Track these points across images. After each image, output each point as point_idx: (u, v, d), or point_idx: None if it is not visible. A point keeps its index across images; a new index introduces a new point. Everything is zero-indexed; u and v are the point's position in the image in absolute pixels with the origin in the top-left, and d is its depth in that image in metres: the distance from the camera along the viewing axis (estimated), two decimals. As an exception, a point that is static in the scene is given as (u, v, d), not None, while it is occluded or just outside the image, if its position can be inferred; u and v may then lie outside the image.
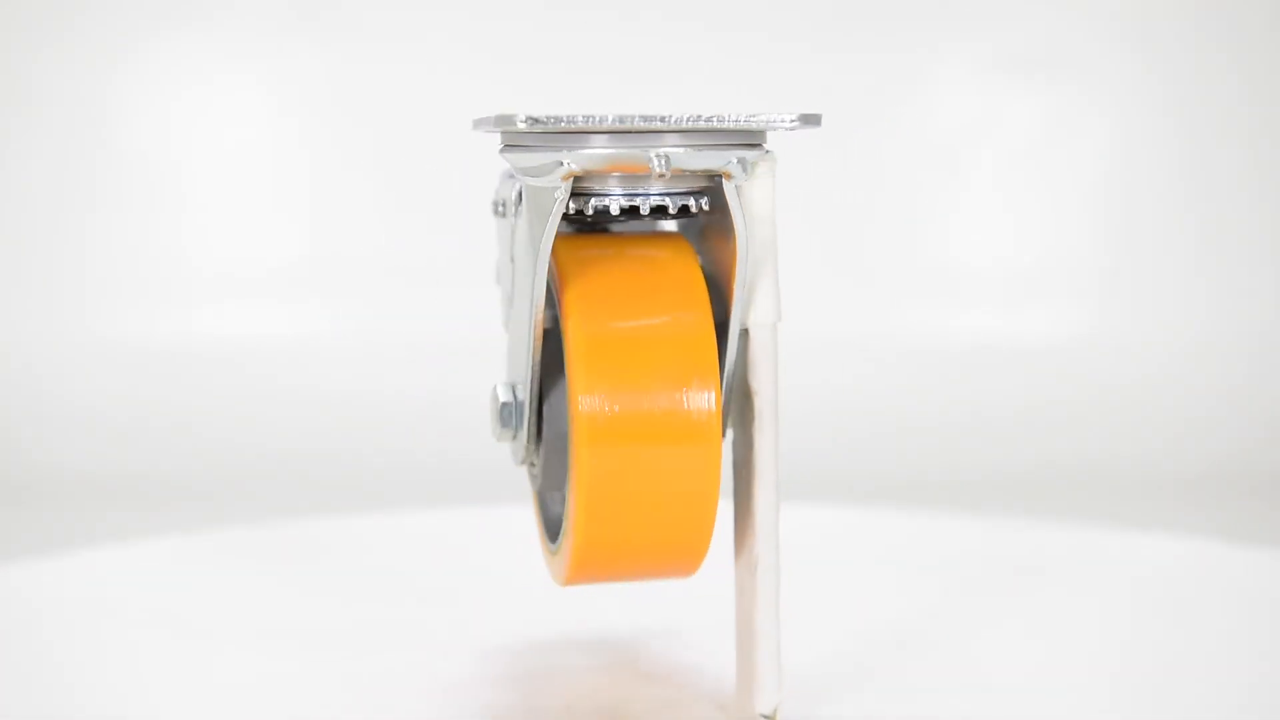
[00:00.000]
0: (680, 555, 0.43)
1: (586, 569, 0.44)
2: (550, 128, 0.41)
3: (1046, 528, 0.77)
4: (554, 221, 0.42)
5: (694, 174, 0.43)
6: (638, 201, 0.43)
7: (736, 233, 0.43)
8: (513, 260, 0.46)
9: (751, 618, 0.45)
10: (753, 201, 0.44)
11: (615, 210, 0.43)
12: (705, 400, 0.42)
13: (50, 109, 1.37)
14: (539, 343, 0.44)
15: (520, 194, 0.44)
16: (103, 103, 1.38)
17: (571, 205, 0.43)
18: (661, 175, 0.42)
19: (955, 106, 1.39)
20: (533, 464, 0.47)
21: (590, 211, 0.43)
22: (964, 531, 0.76)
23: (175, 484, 1.18)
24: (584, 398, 0.42)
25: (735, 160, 0.42)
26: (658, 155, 0.42)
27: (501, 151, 0.43)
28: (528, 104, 1.30)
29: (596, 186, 0.43)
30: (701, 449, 0.42)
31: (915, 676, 0.53)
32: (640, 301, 0.43)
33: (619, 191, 0.43)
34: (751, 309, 0.44)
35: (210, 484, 1.18)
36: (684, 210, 0.44)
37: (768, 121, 0.42)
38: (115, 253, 1.36)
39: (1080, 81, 1.38)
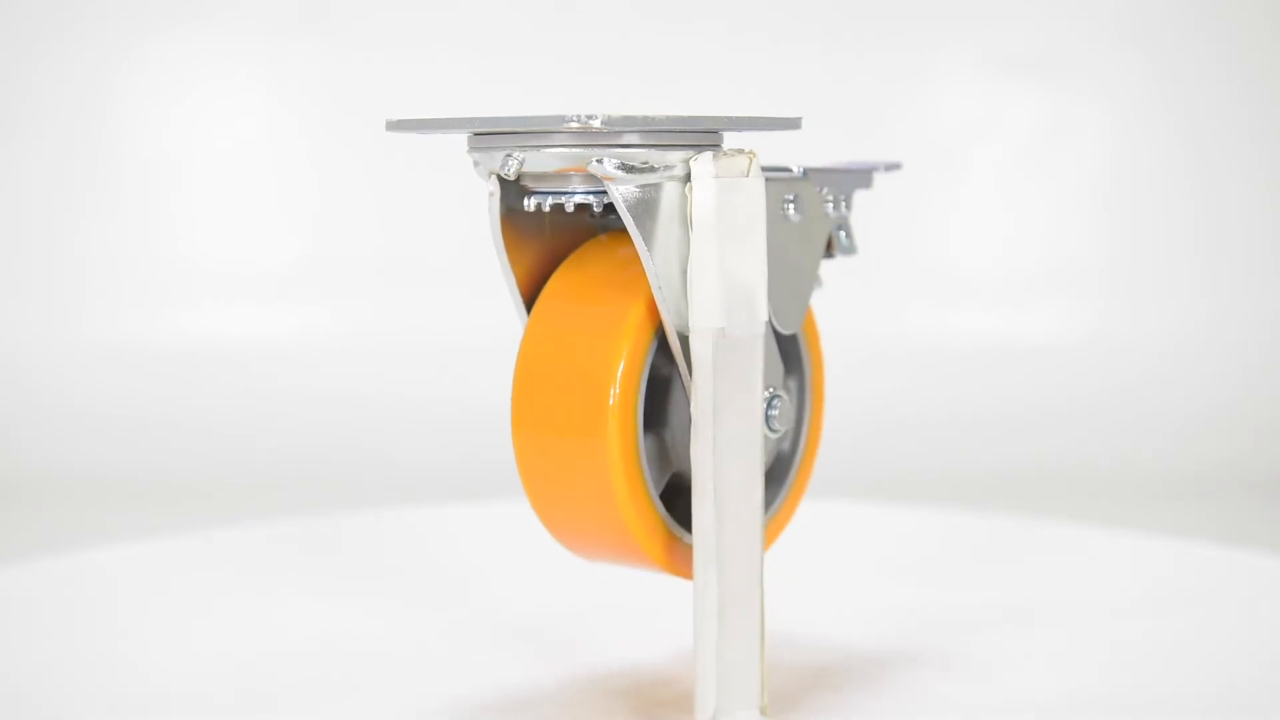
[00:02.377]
0: (623, 544, 0.45)
1: (561, 539, 0.46)
2: (408, 129, 0.44)
3: (1045, 527, 0.77)
4: (493, 215, 0.45)
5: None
6: (538, 200, 0.44)
7: (631, 236, 0.43)
8: None
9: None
10: (692, 205, 0.43)
11: (536, 208, 0.45)
12: (597, 394, 0.43)
13: (50, 109, 1.37)
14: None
15: None
16: (102, 103, 1.38)
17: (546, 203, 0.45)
18: (505, 178, 0.43)
19: (955, 106, 1.39)
20: None
21: (532, 209, 0.45)
22: (964, 530, 0.76)
23: (175, 484, 1.18)
24: (513, 385, 0.45)
25: (604, 161, 0.42)
26: (508, 157, 0.43)
27: (468, 151, 0.45)
28: (527, 105, 1.30)
29: (557, 186, 0.45)
30: (592, 441, 0.43)
31: (912, 674, 0.53)
32: (589, 299, 0.45)
33: (543, 189, 0.44)
34: (689, 314, 0.43)
35: (210, 484, 1.18)
36: (586, 208, 0.45)
37: (544, 122, 0.42)
38: (115, 253, 1.36)
39: (1080, 81, 1.38)
